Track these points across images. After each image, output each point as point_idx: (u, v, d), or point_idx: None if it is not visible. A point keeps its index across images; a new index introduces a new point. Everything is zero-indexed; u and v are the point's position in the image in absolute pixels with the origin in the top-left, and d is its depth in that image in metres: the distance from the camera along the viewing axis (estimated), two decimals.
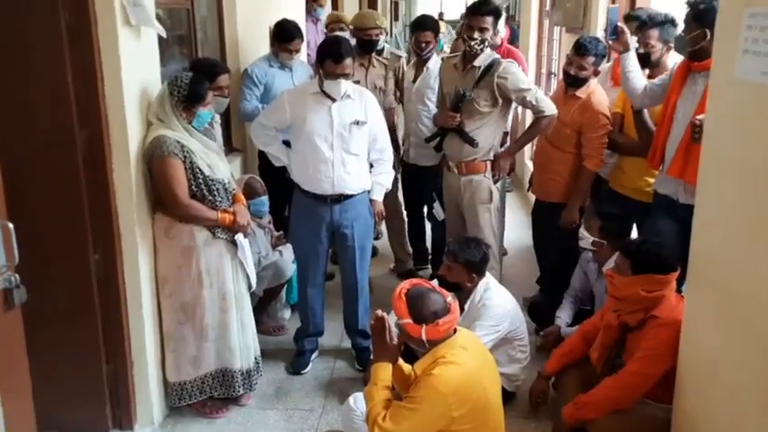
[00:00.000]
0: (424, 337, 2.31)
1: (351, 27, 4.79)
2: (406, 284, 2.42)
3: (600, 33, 4.35)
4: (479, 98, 3.55)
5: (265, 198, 3.79)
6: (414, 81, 4.45)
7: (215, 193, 2.91)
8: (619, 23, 3.42)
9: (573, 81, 3.65)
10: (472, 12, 3.54)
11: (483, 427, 2.37)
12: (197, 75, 2.92)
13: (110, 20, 2.52)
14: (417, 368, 2.37)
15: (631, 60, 3.34)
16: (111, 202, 2.68)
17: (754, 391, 1.93)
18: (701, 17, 2.91)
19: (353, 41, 4.29)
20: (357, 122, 3.28)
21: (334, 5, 8.63)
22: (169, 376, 3.03)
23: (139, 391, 2.91)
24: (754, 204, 1.95)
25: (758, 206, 1.93)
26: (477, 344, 2.51)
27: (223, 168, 3.01)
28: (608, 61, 4.05)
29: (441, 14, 17.50)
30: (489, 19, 3.49)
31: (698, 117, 2.78)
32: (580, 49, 3.59)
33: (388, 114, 4.34)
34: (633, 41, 3.37)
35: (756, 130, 1.95)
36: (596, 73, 3.65)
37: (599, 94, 3.63)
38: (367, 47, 4.38)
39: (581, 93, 3.64)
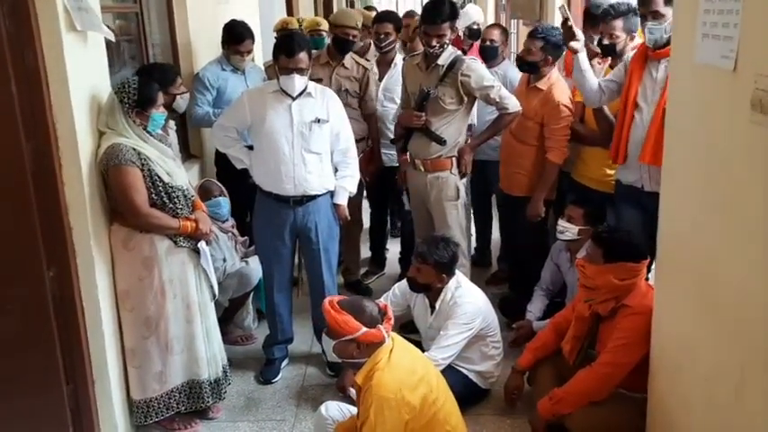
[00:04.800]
0: (385, 334, 2.33)
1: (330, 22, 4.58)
2: (330, 302, 2.36)
3: (557, 25, 4.36)
4: (445, 96, 3.51)
5: (222, 199, 3.70)
6: (380, 80, 4.36)
7: (175, 200, 2.82)
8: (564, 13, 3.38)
9: (521, 65, 3.69)
10: (428, 21, 3.47)
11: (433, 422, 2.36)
12: (144, 78, 2.83)
13: (53, 26, 2.41)
14: (359, 378, 2.34)
15: (585, 61, 3.32)
16: (63, 217, 2.56)
17: (728, 374, 1.94)
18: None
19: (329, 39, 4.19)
20: (318, 120, 3.23)
21: (289, 8, 8.54)
22: (134, 394, 2.92)
23: (103, 412, 2.79)
24: (720, 187, 1.96)
25: (723, 189, 1.94)
26: (408, 344, 2.52)
27: (181, 175, 2.93)
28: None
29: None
30: (446, 25, 3.44)
31: None
32: (531, 33, 3.63)
33: (373, 120, 4.24)
34: (581, 37, 3.35)
35: (717, 114, 1.95)
36: (547, 61, 3.62)
37: (560, 85, 3.63)
38: (341, 46, 4.13)
39: (542, 84, 3.63)
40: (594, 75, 3.40)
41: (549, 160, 3.62)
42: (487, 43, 4.31)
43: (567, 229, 3.35)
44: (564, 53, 3.79)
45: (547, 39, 3.58)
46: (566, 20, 3.31)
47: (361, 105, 4.17)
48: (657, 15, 2.98)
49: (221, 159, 3.94)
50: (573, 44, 3.30)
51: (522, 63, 3.69)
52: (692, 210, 2.16)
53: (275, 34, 5.37)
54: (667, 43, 2.99)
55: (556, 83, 3.63)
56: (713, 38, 1.92)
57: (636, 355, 2.59)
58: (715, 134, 1.97)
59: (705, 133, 2.04)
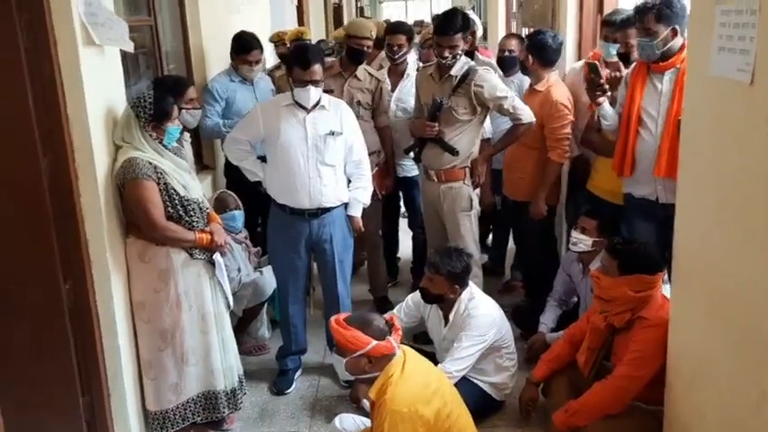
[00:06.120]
0: (396, 346, 2.33)
1: (345, 33, 4.53)
2: (337, 320, 2.36)
3: (570, 34, 4.36)
4: (458, 106, 3.53)
5: (237, 213, 3.72)
6: (392, 90, 4.33)
7: (191, 213, 2.83)
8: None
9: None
10: (440, 32, 3.49)
11: None
12: (159, 92, 2.85)
13: (70, 40, 2.43)
14: (372, 393, 2.33)
15: (609, 107, 3.27)
16: (79, 229, 2.58)
17: (743, 388, 1.93)
18: (668, 16, 2.92)
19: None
20: (332, 133, 3.23)
21: (300, 19, 8.60)
22: (149, 405, 2.93)
23: (118, 424, 2.81)
24: (734, 201, 1.95)
25: (737, 202, 1.93)
26: (420, 357, 2.50)
27: (196, 187, 2.94)
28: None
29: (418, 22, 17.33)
30: (458, 36, 3.46)
31: None
32: None
33: (386, 132, 4.14)
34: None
35: (732, 128, 1.95)
36: (527, 59, 3.71)
37: (558, 86, 3.65)
38: (355, 57, 4.01)
39: (540, 86, 3.68)
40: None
41: (550, 160, 3.63)
42: (506, 53, 4.29)
43: (581, 241, 3.32)
44: (582, 63, 3.79)
45: (529, 39, 3.79)
46: (591, 77, 3.26)
47: (374, 117, 4.09)
48: (649, 32, 2.96)
49: (231, 170, 3.96)
50: (600, 99, 3.25)
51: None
52: (706, 223, 2.15)
53: (274, 46, 5.29)
54: (661, 58, 2.99)
55: (554, 84, 3.66)
56: (729, 51, 1.91)
57: (652, 368, 2.57)
58: (729, 147, 1.96)
59: (719, 146, 2.04)
